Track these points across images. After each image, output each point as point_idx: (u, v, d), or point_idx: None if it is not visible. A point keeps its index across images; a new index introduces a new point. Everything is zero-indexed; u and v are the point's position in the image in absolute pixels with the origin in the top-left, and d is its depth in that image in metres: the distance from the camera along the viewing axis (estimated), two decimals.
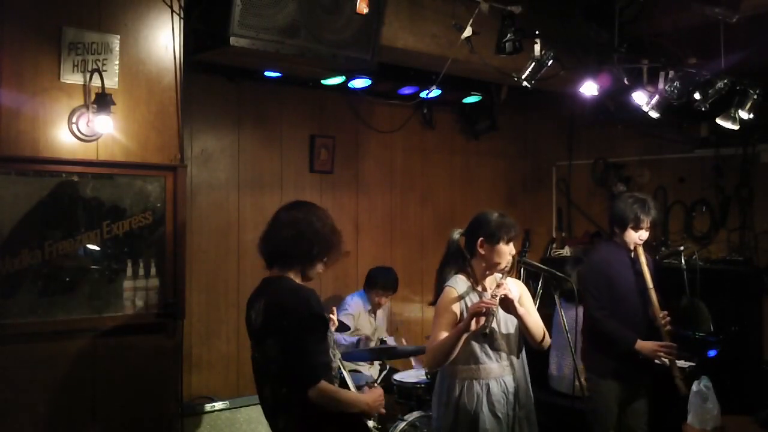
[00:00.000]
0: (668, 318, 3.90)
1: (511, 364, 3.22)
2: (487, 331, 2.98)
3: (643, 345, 3.87)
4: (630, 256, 4.01)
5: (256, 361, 2.75)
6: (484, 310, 2.95)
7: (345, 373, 2.82)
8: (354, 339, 5.13)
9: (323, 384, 2.58)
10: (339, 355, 2.78)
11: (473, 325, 2.96)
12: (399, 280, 5.45)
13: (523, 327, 3.23)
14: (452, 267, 3.32)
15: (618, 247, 4.03)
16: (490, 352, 3.17)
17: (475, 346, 3.15)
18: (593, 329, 4.00)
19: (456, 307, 3.17)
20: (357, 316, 5.26)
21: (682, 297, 4.94)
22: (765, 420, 3.87)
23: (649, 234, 4.05)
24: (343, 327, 4.87)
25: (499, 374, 3.19)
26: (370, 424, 2.88)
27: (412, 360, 5.34)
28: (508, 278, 3.22)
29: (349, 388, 2.82)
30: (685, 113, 5.04)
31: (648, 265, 3.97)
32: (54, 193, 3.23)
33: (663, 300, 4.02)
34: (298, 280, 2.75)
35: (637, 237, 3.96)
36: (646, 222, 3.95)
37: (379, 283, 5.30)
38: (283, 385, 2.64)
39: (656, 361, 3.89)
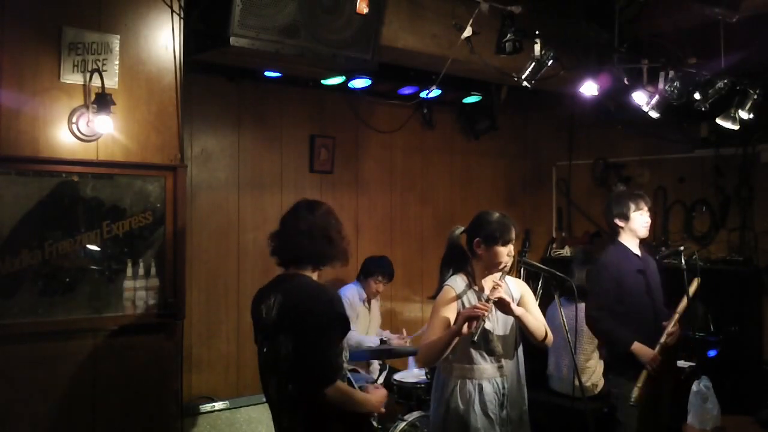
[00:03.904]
0: (673, 332, 3.85)
1: (506, 366, 3.23)
2: (475, 339, 2.99)
3: (641, 350, 3.82)
4: (638, 257, 4.01)
5: (263, 356, 2.75)
6: (474, 314, 2.96)
7: (350, 377, 2.83)
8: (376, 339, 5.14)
9: (339, 383, 2.60)
10: (348, 357, 2.79)
11: (465, 329, 2.97)
12: (398, 279, 5.47)
13: (522, 327, 3.23)
14: (452, 264, 3.33)
15: (625, 249, 4.03)
16: (485, 353, 3.18)
17: (470, 346, 3.16)
18: (592, 329, 4.00)
19: (452, 307, 3.18)
20: (353, 308, 5.30)
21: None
22: (765, 420, 3.87)
23: (649, 234, 4.05)
24: None
25: (493, 375, 3.19)
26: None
27: (409, 359, 5.34)
28: (509, 278, 3.22)
29: (354, 388, 2.82)
30: (685, 113, 5.04)
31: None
32: (54, 193, 3.23)
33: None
34: (314, 279, 2.76)
35: (644, 222, 4.00)
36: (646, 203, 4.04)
37: (378, 271, 5.33)
38: (290, 381, 2.64)
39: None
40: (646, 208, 4.00)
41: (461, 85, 5.75)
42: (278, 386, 2.69)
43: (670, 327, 3.84)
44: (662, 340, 3.82)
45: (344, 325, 2.68)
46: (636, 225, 3.98)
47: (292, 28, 3.62)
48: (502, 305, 3.11)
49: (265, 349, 2.73)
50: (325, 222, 2.75)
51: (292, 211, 2.82)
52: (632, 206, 3.98)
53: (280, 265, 2.81)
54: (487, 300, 3.04)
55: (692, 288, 3.96)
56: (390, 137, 6.01)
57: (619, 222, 4.03)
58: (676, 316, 3.89)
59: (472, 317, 2.96)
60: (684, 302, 3.92)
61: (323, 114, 5.67)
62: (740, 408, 4.23)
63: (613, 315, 3.89)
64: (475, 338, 2.99)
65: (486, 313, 2.98)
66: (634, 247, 4.04)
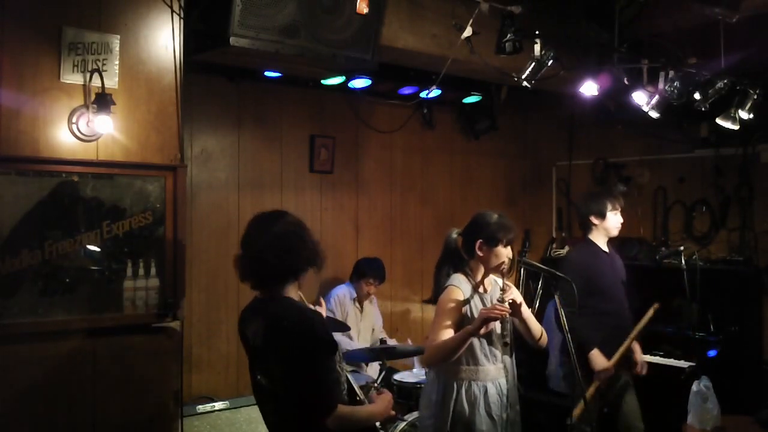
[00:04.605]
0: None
1: (505, 367, 3.24)
2: (508, 340, 3.02)
3: (597, 358, 3.90)
4: (607, 254, 4.16)
5: (258, 385, 2.69)
6: (495, 315, 2.96)
7: (351, 379, 2.81)
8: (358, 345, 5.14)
9: (339, 409, 2.53)
10: (345, 365, 2.77)
11: (483, 330, 2.98)
12: (398, 279, 5.48)
13: (524, 328, 3.24)
14: (449, 267, 3.32)
15: (596, 247, 4.14)
16: (489, 354, 3.18)
17: (476, 348, 3.16)
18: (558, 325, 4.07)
19: (460, 308, 3.17)
20: (342, 306, 5.35)
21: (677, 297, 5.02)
22: (765, 420, 3.88)
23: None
24: (343, 327, 4.90)
25: (496, 377, 3.20)
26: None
27: (415, 360, 5.34)
28: (497, 279, 3.24)
29: (356, 392, 2.80)
30: (685, 113, 5.04)
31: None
32: (54, 193, 3.22)
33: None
34: (295, 296, 2.69)
35: (618, 222, 4.14)
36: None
37: (370, 273, 5.39)
38: (289, 413, 2.59)
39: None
40: (620, 209, 4.13)
41: (461, 85, 5.75)
42: (279, 412, 2.64)
43: (620, 352, 3.96)
44: (615, 358, 3.95)
45: (331, 347, 2.60)
46: (610, 224, 4.13)
47: (292, 28, 3.62)
48: (514, 308, 3.12)
49: (258, 377, 2.68)
50: (284, 234, 2.65)
51: (248, 231, 2.72)
52: (609, 206, 4.09)
53: (254, 288, 2.71)
54: (502, 301, 3.05)
55: (648, 315, 4.03)
56: (390, 137, 6.01)
57: (594, 219, 4.15)
58: (627, 342, 3.99)
59: (490, 318, 2.96)
60: (636, 329, 4.03)
61: (323, 114, 5.67)
62: (740, 408, 4.23)
63: (581, 312, 3.94)
64: (508, 339, 3.03)
65: (506, 314, 3.00)
66: (604, 246, 4.16)
